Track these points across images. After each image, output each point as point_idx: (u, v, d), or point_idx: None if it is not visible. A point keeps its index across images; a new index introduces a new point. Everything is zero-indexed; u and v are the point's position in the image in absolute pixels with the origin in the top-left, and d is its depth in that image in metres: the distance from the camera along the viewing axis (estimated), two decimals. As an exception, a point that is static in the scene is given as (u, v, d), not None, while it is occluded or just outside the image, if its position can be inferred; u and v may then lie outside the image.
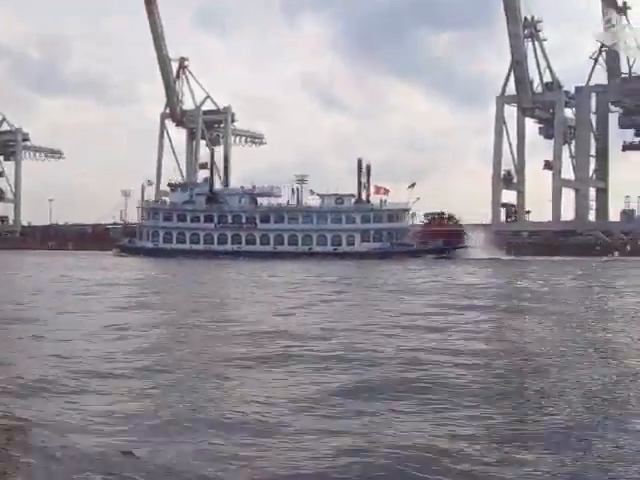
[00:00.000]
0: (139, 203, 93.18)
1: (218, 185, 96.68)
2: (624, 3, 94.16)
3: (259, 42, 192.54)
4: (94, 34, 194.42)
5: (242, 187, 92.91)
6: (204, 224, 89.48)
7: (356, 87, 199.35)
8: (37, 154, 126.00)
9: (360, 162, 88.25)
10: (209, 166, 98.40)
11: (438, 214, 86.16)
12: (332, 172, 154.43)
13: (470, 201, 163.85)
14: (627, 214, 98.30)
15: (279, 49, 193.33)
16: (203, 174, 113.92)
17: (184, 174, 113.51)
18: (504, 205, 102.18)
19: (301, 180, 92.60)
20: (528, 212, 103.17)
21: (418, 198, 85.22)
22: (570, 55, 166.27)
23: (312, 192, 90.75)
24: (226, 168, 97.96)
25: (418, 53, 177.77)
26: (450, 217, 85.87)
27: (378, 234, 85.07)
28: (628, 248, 71.56)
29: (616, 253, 66.76)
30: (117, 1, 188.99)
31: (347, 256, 78.54)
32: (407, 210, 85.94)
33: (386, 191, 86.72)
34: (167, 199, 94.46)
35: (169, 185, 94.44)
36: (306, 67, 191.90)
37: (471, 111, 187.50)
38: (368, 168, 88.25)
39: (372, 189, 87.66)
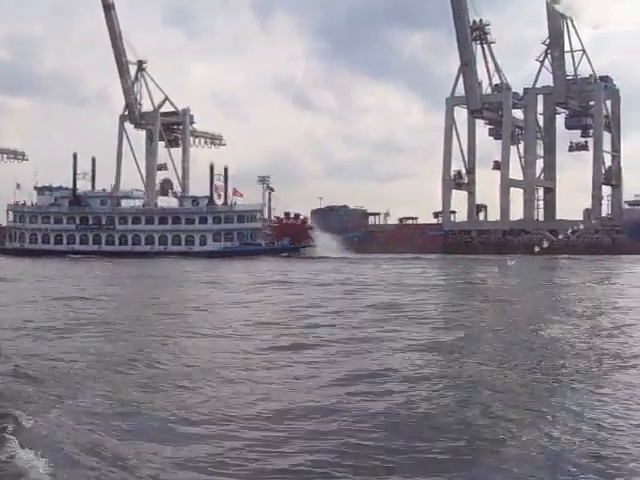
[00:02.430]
0: (7, 206, 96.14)
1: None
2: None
3: (229, 41, 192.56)
4: (64, 35, 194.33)
5: (104, 190, 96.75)
6: (67, 225, 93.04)
7: (329, 87, 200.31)
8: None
9: (212, 166, 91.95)
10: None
11: (285, 215, 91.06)
12: (306, 173, 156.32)
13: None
14: (589, 212, 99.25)
15: (250, 49, 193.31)
16: (161, 175, 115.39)
17: (143, 176, 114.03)
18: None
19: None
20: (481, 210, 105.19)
21: (269, 200, 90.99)
22: (524, 59, 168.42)
23: (176, 195, 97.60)
24: (94, 172, 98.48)
25: (391, 53, 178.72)
26: (296, 216, 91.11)
27: (229, 234, 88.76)
28: (545, 244, 73.20)
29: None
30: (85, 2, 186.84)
31: (199, 255, 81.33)
32: (259, 211, 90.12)
33: (240, 194, 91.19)
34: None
35: (35, 188, 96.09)
36: (278, 67, 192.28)
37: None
38: (226, 171, 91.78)
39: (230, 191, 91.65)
